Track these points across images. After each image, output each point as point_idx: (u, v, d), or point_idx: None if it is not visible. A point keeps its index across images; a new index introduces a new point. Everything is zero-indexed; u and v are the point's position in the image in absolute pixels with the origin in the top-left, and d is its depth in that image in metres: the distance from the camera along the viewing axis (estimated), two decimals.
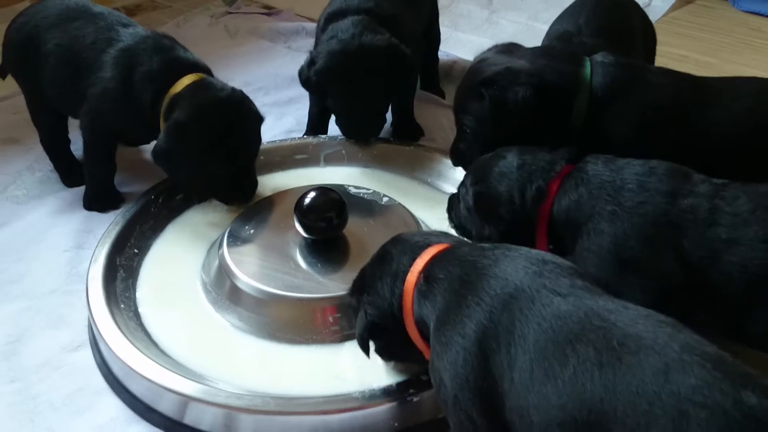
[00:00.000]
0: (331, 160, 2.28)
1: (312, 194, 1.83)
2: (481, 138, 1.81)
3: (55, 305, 1.90)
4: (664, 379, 1.04)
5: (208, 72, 2.08)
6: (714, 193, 1.45)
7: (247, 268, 1.80)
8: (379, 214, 1.95)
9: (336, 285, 1.72)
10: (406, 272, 1.43)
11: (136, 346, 1.64)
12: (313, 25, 3.16)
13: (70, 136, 2.34)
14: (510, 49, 1.87)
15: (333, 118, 2.46)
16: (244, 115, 2.02)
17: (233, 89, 2.03)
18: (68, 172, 2.33)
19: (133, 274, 1.90)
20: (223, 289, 1.81)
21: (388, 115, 2.40)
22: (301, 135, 2.45)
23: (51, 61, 2.14)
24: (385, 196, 2.01)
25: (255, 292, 1.76)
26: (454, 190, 2.14)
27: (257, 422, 1.53)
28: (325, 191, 1.85)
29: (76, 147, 2.33)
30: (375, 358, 1.57)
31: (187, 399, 1.55)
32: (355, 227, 1.86)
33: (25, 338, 1.81)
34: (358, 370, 1.60)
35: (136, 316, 1.79)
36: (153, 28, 2.23)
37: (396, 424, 1.53)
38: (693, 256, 1.41)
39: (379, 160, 2.26)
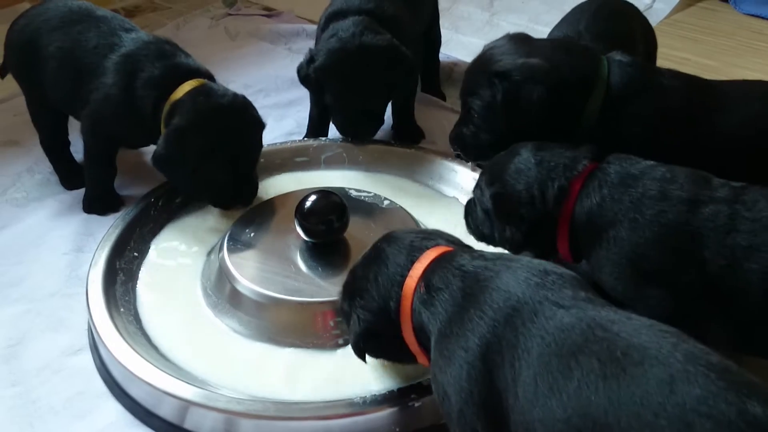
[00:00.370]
0: (332, 162, 2.28)
1: (313, 197, 1.82)
2: (487, 125, 1.77)
3: (55, 308, 1.90)
4: (668, 390, 1.03)
5: (210, 78, 2.07)
6: (734, 198, 1.43)
7: (248, 271, 1.79)
8: (380, 218, 1.94)
9: (337, 289, 1.70)
10: (404, 276, 1.40)
11: (136, 350, 1.64)
12: (313, 27, 3.15)
13: (71, 138, 2.34)
14: (524, 38, 1.82)
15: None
16: (244, 121, 2.02)
17: (235, 95, 2.02)
18: (68, 174, 2.33)
19: (133, 277, 1.89)
20: (224, 293, 1.80)
21: (388, 118, 2.39)
22: (301, 137, 2.45)
23: (52, 64, 2.13)
24: (386, 199, 2.00)
25: (255, 295, 1.75)
26: (455, 193, 2.16)
27: (258, 427, 1.52)
28: (326, 194, 1.84)
29: (76, 149, 2.32)
30: (375, 363, 1.57)
31: (187, 403, 1.55)
32: (356, 230, 1.86)
33: (24, 342, 1.81)
34: (359, 374, 1.59)
35: (136, 319, 1.78)
36: (152, 30, 2.23)
37: (397, 429, 1.52)
38: (713, 265, 1.39)
39: (380, 162, 2.26)
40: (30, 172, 2.38)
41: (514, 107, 1.71)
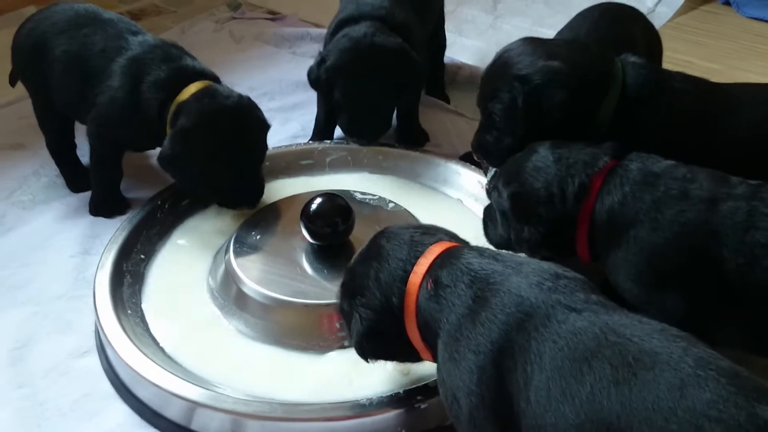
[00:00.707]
0: (337, 165, 2.29)
1: (318, 200, 1.83)
2: (510, 129, 1.74)
3: (62, 311, 1.91)
4: (679, 395, 1.03)
5: (216, 80, 2.08)
6: (752, 195, 1.43)
7: (254, 273, 1.80)
8: (385, 221, 1.94)
9: None
10: (407, 271, 1.37)
11: (143, 352, 1.64)
12: (317, 31, 3.18)
13: (77, 141, 2.35)
14: (538, 41, 1.80)
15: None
16: (249, 122, 2.03)
17: (240, 96, 2.03)
18: (74, 177, 2.34)
19: (139, 279, 1.90)
20: (230, 295, 1.81)
21: (393, 120, 2.41)
22: (306, 140, 2.46)
23: (59, 68, 2.14)
24: (390, 202, 2.01)
25: (261, 297, 1.76)
26: (460, 196, 2.16)
27: (264, 428, 1.53)
28: (331, 197, 1.85)
29: (82, 152, 2.33)
30: (381, 364, 1.57)
31: (194, 405, 1.56)
32: (361, 233, 1.86)
33: (31, 344, 1.82)
34: (364, 376, 1.59)
35: (143, 321, 1.79)
36: (157, 34, 2.24)
37: (403, 431, 1.53)
38: (731, 263, 1.39)
39: (385, 165, 2.26)
40: (36, 175, 2.39)
41: (536, 110, 1.69)
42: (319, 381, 1.63)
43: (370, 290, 1.39)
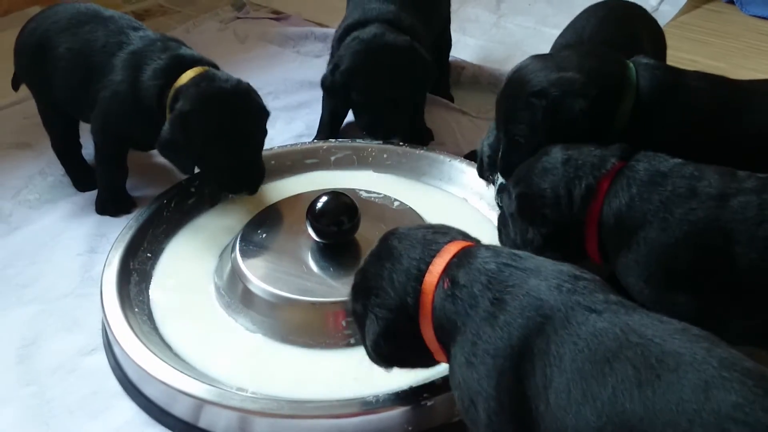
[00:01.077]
0: (342, 164, 2.29)
1: (324, 198, 1.84)
2: (534, 146, 1.70)
3: (69, 309, 1.91)
4: (704, 397, 1.02)
5: (215, 67, 2.08)
6: (762, 188, 1.42)
7: (260, 271, 1.81)
8: (390, 219, 1.95)
9: (348, 289, 1.70)
10: (422, 270, 1.34)
11: (150, 350, 1.65)
12: (321, 30, 3.19)
13: (82, 140, 2.35)
14: (546, 56, 1.80)
15: (343, 124, 2.49)
16: (247, 106, 2.03)
17: (239, 80, 2.03)
18: (80, 176, 2.34)
19: (146, 278, 1.91)
20: (236, 293, 1.82)
21: None
22: (310, 139, 2.47)
23: (62, 65, 2.15)
24: (396, 200, 2.02)
25: (267, 295, 1.76)
26: (464, 194, 2.17)
27: (272, 425, 1.54)
28: (337, 195, 1.86)
29: (88, 152, 2.34)
30: None
31: (201, 402, 1.56)
32: (366, 231, 1.87)
33: (39, 342, 1.82)
34: (371, 373, 1.59)
35: (150, 319, 1.80)
36: (162, 33, 2.24)
37: (410, 428, 1.53)
38: (743, 260, 1.39)
39: (389, 164, 2.27)
40: (42, 175, 2.39)
41: (557, 123, 1.67)
42: (325, 378, 1.63)
43: (384, 290, 1.36)
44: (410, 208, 1.99)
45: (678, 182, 1.47)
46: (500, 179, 1.89)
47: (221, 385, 1.60)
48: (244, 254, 1.86)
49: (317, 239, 1.84)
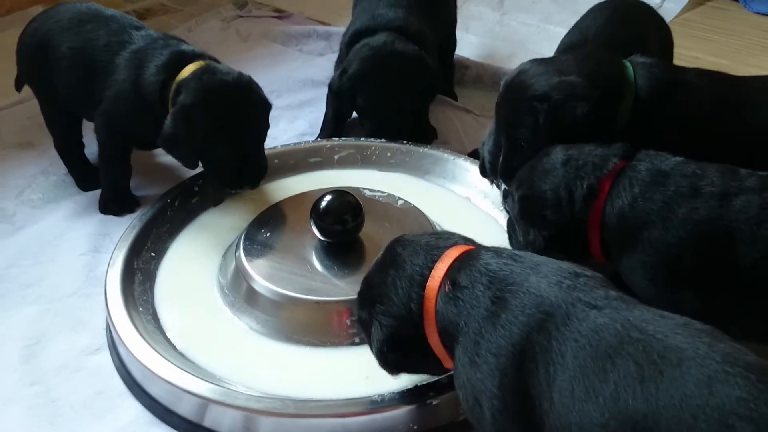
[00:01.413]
0: (345, 162, 2.29)
1: (328, 197, 1.83)
2: (536, 152, 1.69)
3: (73, 308, 1.91)
4: (707, 392, 1.01)
5: (216, 62, 2.08)
6: (763, 186, 1.42)
7: (264, 270, 1.81)
8: (394, 217, 1.95)
9: (352, 288, 1.70)
10: (425, 276, 1.35)
11: (154, 349, 1.65)
12: (324, 28, 3.19)
13: (85, 140, 2.35)
14: (544, 60, 1.79)
15: (345, 126, 2.49)
16: (250, 98, 2.03)
17: (240, 74, 2.03)
18: (83, 176, 2.34)
19: (150, 277, 1.91)
20: (240, 292, 1.82)
21: None
22: (314, 138, 2.46)
23: (64, 64, 2.15)
24: (400, 199, 2.01)
25: (271, 294, 1.76)
26: (468, 192, 2.16)
27: (277, 425, 1.53)
28: (341, 194, 1.85)
29: (91, 151, 2.34)
30: None
31: (206, 401, 1.56)
32: (370, 230, 1.86)
33: (43, 341, 1.82)
34: (376, 372, 1.58)
35: (155, 318, 1.80)
36: (164, 32, 2.24)
37: (415, 427, 1.53)
38: (747, 259, 1.39)
39: (393, 162, 2.27)
40: (45, 174, 2.39)
41: (559, 127, 1.66)
42: (330, 378, 1.63)
43: (389, 297, 1.37)
44: (414, 206, 1.98)
45: (680, 181, 1.47)
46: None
47: (225, 384, 1.60)
48: (248, 253, 1.85)
49: (321, 238, 1.84)
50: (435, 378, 1.55)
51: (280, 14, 3.43)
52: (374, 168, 2.26)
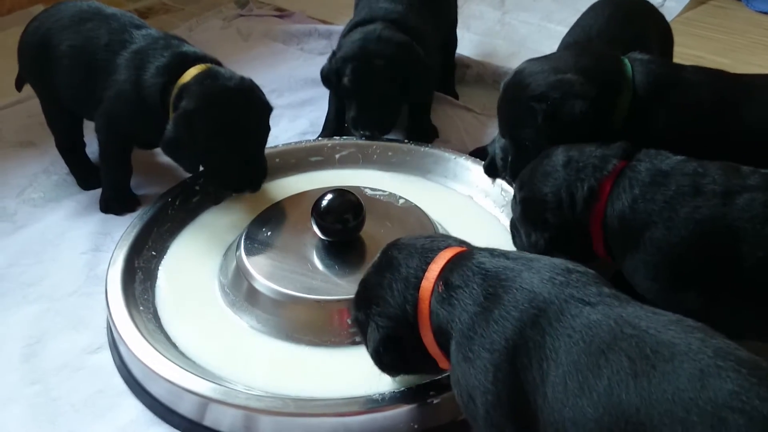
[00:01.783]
0: (347, 161, 2.29)
1: (329, 196, 1.83)
2: (541, 149, 1.69)
3: (74, 307, 1.91)
4: (700, 386, 1.02)
5: (217, 64, 2.08)
6: (766, 184, 1.42)
7: (265, 269, 1.81)
8: (395, 216, 1.95)
9: (353, 287, 1.69)
10: (419, 278, 1.37)
11: (155, 348, 1.65)
12: (325, 27, 3.18)
13: (86, 139, 2.35)
14: (541, 58, 1.79)
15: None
16: (251, 103, 2.03)
17: (242, 78, 2.03)
18: (84, 175, 2.34)
19: (151, 276, 1.91)
20: (241, 291, 1.82)
21: (403, 117, 2.41)
22: (315, 137, 2.46)
23: (65, 63, 2.15)
24: (401, 198, 2.01)
25: (272, 293, 1.76)
26: (469, 191, 2.16)
27: (277, 424, 1.53)
28: (342, 193, 1.85)
29: (92, 150, 2.34)
30: None
31: (207, 400, 1.56)
32: (371, 229, 1.86)
33: (44, 340, 1.82)
34: (377, 371, 1.59)
35: (155, 318, 1.80)
36: (165, 31, 2.24)
37: (416, 426, 1.53)
38: (751, 259, 1.38)
39: (394, 161, 2.27)
40: (46, 173, 2.39)
41: (559, 125, 1.66)
42: (330, 376, 1.63)
43: (385, 299, 1.40)
44: (415, 205, 1.98)
45: (681, 180, 1.46)
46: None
47: (226, 383, 1.60)
48: (249, 252, 1.85)
49: (322, 237, 1.84)
50: (436, 377, 1.55)
51: (281, 13, 3.42)
52: (375, 167, 2.26)
